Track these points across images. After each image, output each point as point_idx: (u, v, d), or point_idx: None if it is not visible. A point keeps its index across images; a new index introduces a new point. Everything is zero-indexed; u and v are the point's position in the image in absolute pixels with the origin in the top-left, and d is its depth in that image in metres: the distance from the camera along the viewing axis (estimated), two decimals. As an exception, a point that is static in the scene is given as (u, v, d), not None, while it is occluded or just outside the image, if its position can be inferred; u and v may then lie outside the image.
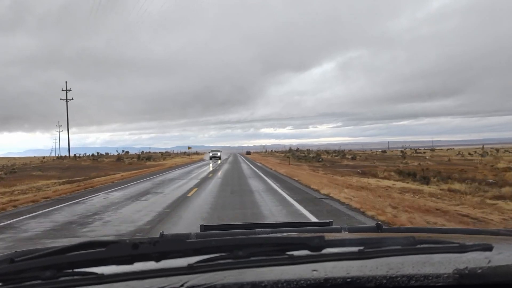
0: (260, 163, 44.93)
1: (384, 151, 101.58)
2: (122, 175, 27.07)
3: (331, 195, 12.65)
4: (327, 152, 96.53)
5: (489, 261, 0.98)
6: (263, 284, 0.91)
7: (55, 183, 22.44)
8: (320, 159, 58.14)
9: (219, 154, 67.09)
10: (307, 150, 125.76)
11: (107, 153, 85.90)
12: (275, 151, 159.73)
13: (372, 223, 1.63)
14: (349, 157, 69.84)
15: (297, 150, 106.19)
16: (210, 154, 66.86)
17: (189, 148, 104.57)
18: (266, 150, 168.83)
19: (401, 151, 71.26)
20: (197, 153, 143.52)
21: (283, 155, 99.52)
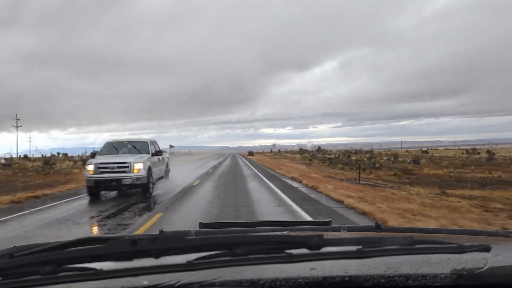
0: (298, 179, 19.16)
1: (425, 151, 79.19)
2: None
3: None
4: (355, 152, 74.02)
5: (487, 262, 0.97)
6: (261, 282, 0.91)
7: None
8: (377, 165, 35.58)
9: (137, 169, 11.87)
10: (320, 149, 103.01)
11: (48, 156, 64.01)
12: (283, 151, 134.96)
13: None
14: (403, 160, 47.54)
15: (318, 149, 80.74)
16: (89, 169, 11.98)
17: (170, 146, 79.98)
18: (272, 150, 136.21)
19: (488, 151, 47.59)
20: (189, 153, 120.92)
21: (298, 156, 75.09)
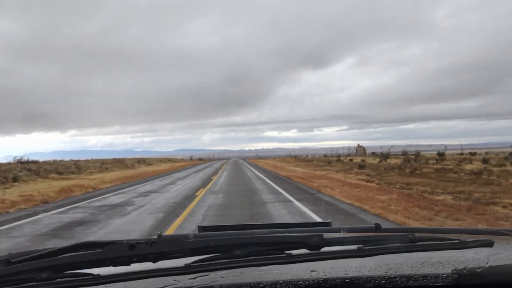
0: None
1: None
2: None
3: None
4: (425, 158, 40.94)
5: (489, 260, 0.98)
6: (261, 285, 0.91)
7: None
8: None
9: None
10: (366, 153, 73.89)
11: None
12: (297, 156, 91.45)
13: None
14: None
15: (388, 155, 51.75)
16: None
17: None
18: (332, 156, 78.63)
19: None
20: (181, 160, 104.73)
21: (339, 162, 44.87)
